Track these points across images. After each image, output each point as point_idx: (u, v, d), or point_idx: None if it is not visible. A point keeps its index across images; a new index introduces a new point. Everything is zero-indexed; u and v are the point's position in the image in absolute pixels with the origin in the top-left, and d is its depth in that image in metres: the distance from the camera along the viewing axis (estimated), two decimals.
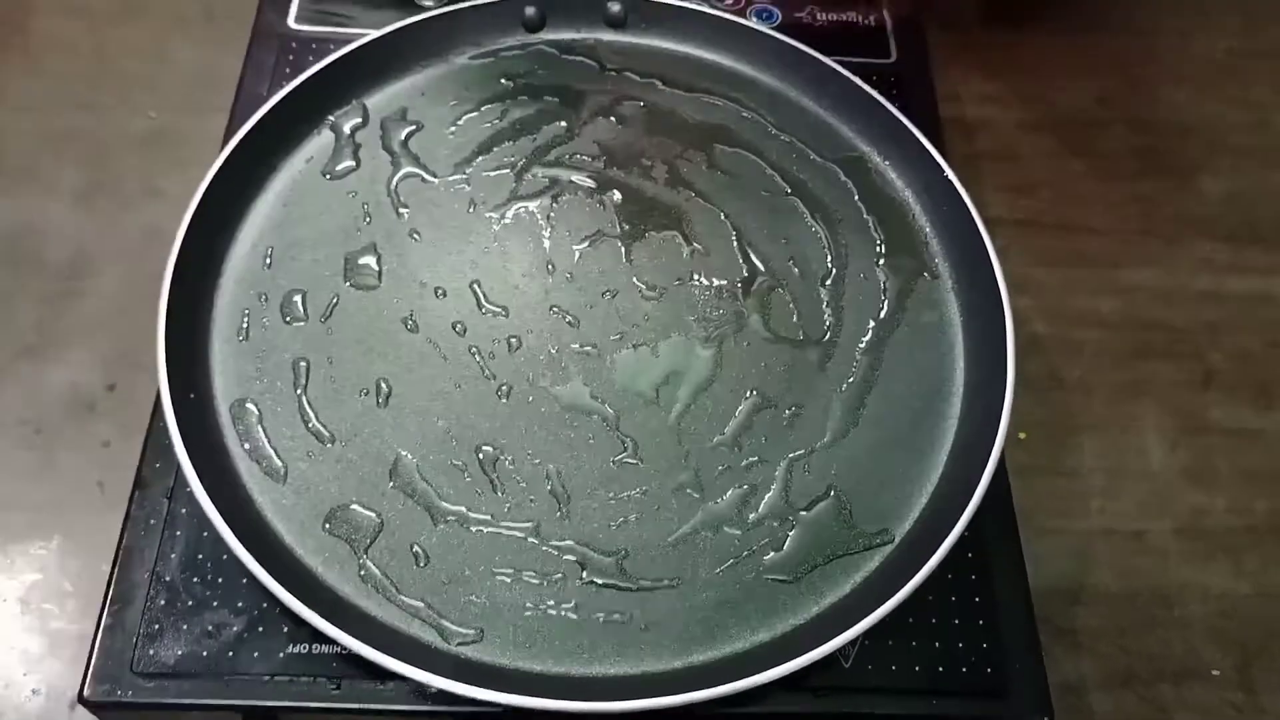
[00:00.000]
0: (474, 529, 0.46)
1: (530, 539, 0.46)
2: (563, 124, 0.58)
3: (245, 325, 0.50)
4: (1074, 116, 0.72)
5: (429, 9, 0.59)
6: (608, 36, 0.61)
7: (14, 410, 0.56)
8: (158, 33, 0.72)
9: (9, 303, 0.60)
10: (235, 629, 0.44)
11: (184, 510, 0.46)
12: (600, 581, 0.45)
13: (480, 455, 0.47)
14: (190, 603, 0.44)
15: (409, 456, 0.47)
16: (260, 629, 0.44)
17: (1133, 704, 0.52)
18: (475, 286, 0.52)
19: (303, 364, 0.49)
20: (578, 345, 0.51)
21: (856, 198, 0.57)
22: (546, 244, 0.54)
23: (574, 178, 0.56)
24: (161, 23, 0.73)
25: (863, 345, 0.52)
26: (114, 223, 0.63)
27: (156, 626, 0.44)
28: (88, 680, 0.43)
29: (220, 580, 0.45)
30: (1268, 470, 0.59)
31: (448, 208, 0.54)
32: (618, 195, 0.56)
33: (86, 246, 0.62)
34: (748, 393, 0.50)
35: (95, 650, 0.43)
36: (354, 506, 0.46)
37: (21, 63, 0.70)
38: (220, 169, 0.51)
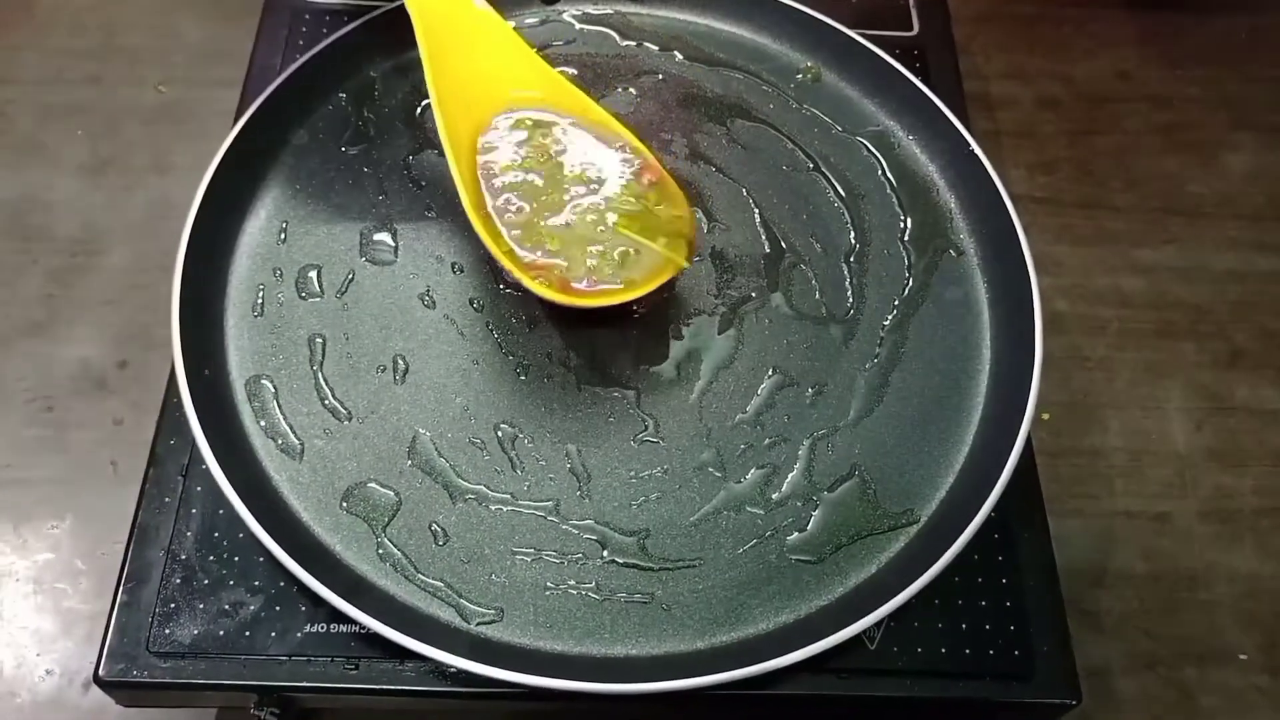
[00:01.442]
0: (493, 507, 0.45)
1: (550, 518, 0.45)
2: None
3: (260, 301, 0.49)
4: (1096, 93, 0.72)
5: None
6: (626, 8, 0.60)
7: (24, 387, 0.56)
8: (165, 7, 0.71)
9: (18, 277, 0.59)
10: (252, 608, 0.43)
11: (199, 488, 0.46)
12: (621, 561, 0.44)
13: (499, 433, 0.47)
14: (206, 581, 0.44)
15: (427, 434, 0.46)
16: (277, 608, 0.43)
17: (1158, 687, 0.51)
18: (492, 262, 0.51)
19: (319, 340, 0.48)
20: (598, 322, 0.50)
21: (880, 173, 0.56)
22: None
23: None
24: None
25: (887, 323, 0.51)
26: (123, 197, 0.63)
27: (172, 605, 0.43)
28: (103, 659, 0.42)
29: (236, 559, 0.44)
30: None
31: None
32: None
33: (95, 221, 0.62)
34: (770, 371, 0.49)
35: (110, 629, 0.43)
36: (372, 484, 0.45)
37: (29, 36, 0.69)
38: (234, 142, 0.50)
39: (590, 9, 0.60)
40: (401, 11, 0.56)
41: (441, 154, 0.53)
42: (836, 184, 0.55)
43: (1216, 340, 0.62)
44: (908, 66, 0.57)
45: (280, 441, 0.46)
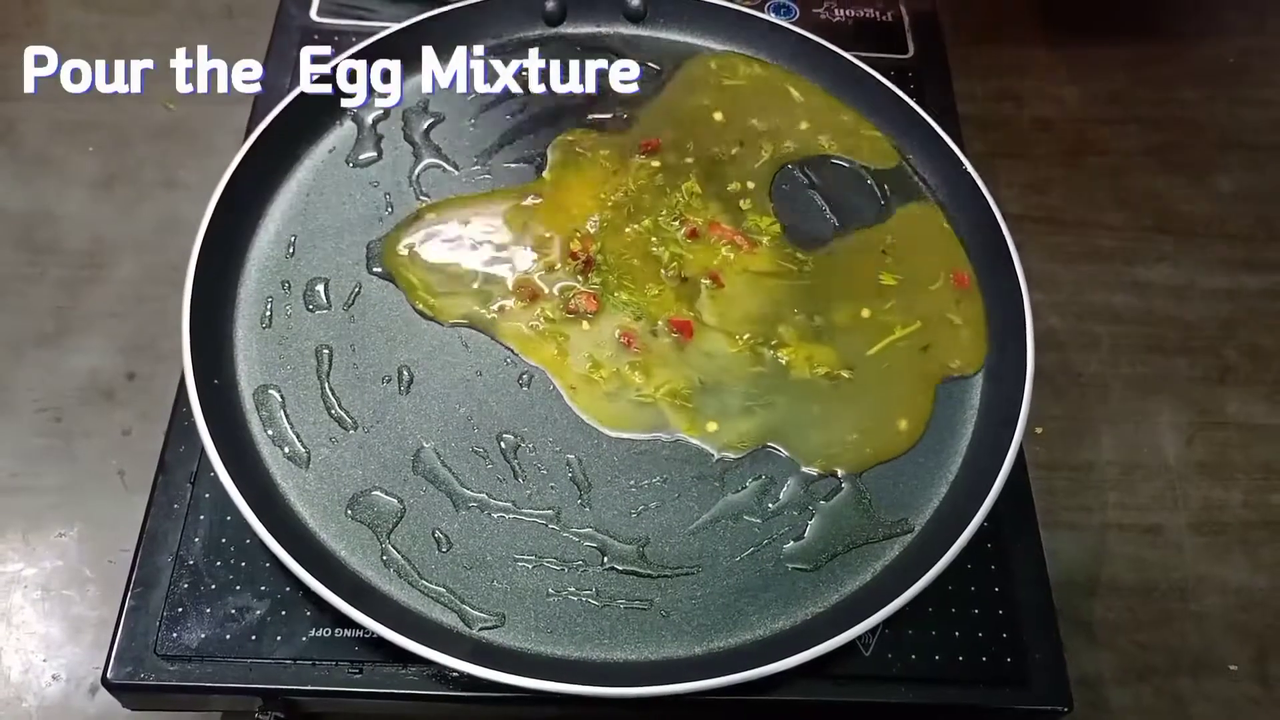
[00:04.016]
0: (495, 515, 0.46)
1: (551, 526, 0.46)
2: (582, 115, 0.58)
3: (268, 313, 0.50)
4: (1088, 115, 0.73)
5: (449, 1, 0.59)
6: (627, 30, 0.62)
7: (34, 397, 0.57)
8: (176, 26, 0.72)
9: (28, 289, 0.60)
10: (258, 613, 0.44)
11: (207, 495, 0.46)
12: (621, 568, 0.45)
13: (501, 442, 0.48)
14: (213, 586, 0.45)
15: (431, 443, 0.47)
16: (283, 613, 0.44)
17: (1150, 697, 0.52)
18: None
19: (325, 351, 0.49)
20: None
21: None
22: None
23: None
24: (179, 17, 0.73)
25: None
26: (132, 212, 0.64)
27: (180, 609, 0.44)
28: (111, 662, 0.43)
29: (243, 564, 0.45)
30: None
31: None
32: None
33: (104, 235, 0.63)
34: None
35: (119, 632, 0.43)
36: (376, 492, 0.46)
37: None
38: (244, 158, 0.52)
39: (592, 31, 0.62)
40: (409, 32, 0.57)
41: (446, 170, 0.55)
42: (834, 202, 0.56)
43: (1207, 356, 0.63)
44: (903, 89, 0.58)
45: (287, 450, 0.47)
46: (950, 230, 0.56)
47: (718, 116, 0.58)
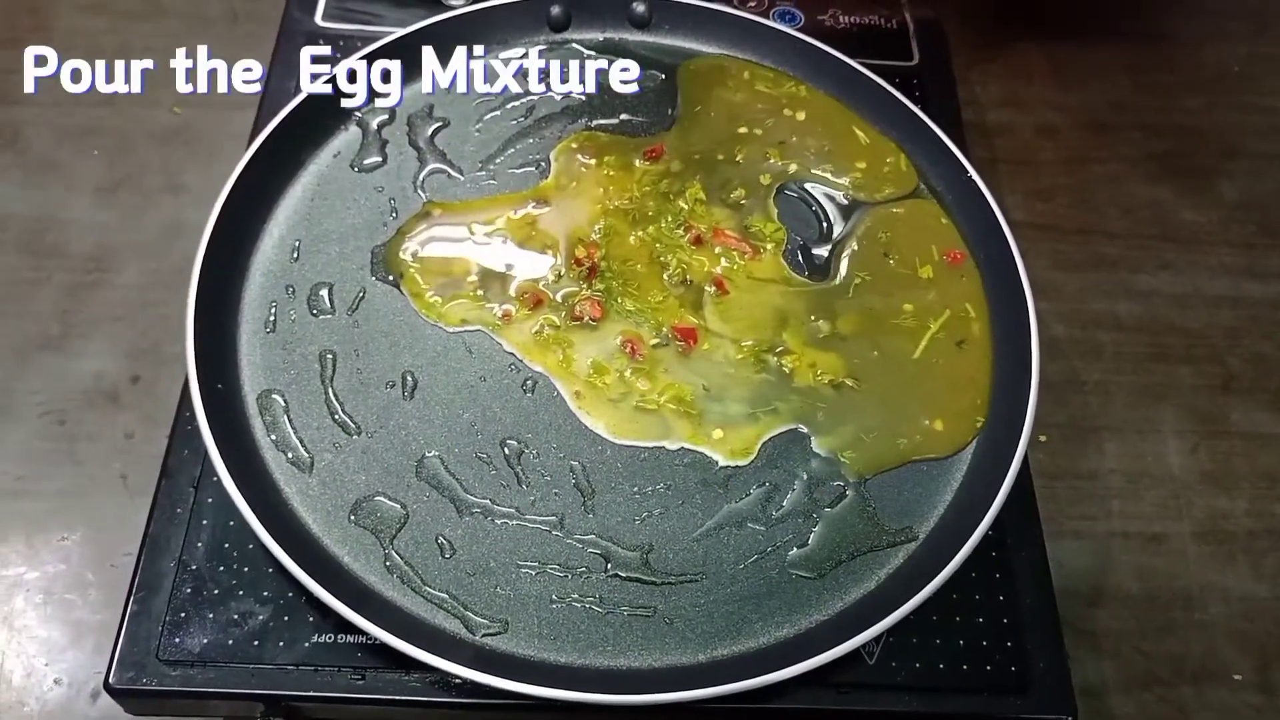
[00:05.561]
0: (499, 521, 0.46)
1: (554, 532, 0.46)
2: (586, 121, 0.58)
3: (273, 317, 0.50)
4: (1090, 122, 0.73)
5: (455, 7, 0.60)
6: (632, 36, 0.62)
7: (38, 400, 0.56)
8: (180, 31, 0.72)
9: (32, 293, 0.60)
10: (260, 618, 0.44)
11: (210, 500, 0.46)
12: (624, 575, 0.45)
13: (505, 448, 0.48)
14: (216, 591, 0.45)
15: (434, 449, 0.47)
16: (285, 618, 0.44)
17: (1153, 706, 0.52)
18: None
19: (330, 356, 0.49)
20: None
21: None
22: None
23: None
24: (184, 22, 0.73)
25: None
26: (136, 216, 0.64)
27: (182, 615, 0.44)
28: (113, 667, 0.43)
29: (246, 569, 0.45)
30: None
31: None
32: None
33: (109, 239, 0.63)
34: None
35: (121, 637, 0.43)
36: (380, 498, 0.46)
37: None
38: (249, 162, 0.52)
39: (597, 35, 0.62)
40: (414, 37, 0.57)
41: (450, 175, 0.55)
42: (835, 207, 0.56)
43: (1211, 364, 0.63)
44: (908, 95, 0.58)
45: (290, 455, 0.47)
46: (945, 221, 0.56)
47: (722, 123, 0.58)
